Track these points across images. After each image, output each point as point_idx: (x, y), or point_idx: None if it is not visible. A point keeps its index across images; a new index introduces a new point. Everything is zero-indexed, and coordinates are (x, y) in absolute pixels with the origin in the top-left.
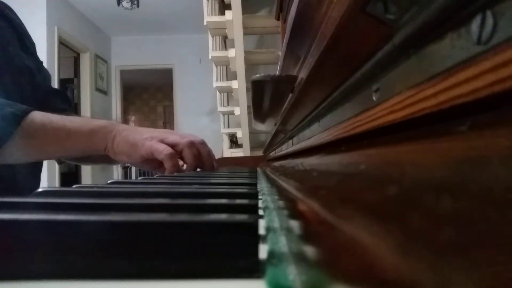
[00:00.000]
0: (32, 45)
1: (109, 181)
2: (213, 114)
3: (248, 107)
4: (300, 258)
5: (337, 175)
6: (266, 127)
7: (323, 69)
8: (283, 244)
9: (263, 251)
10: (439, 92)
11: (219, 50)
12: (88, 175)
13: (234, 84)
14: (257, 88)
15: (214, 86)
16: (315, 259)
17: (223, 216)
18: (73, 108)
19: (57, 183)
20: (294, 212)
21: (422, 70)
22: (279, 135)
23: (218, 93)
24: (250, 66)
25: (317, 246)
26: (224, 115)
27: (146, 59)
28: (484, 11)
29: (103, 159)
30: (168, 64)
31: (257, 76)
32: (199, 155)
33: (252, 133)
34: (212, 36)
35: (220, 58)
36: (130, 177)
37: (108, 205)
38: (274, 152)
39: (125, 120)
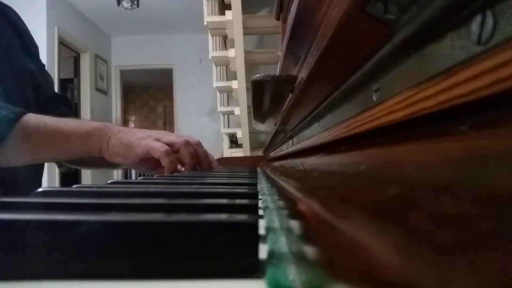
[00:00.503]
0: (35, 48)
1: (109, 181)
2: (213, 114)
3: (248, 107)
4: (300, 258)
5: (337, 175)
6: (266, 127)
7: (323, 69)
8: (283, 244)
9: (263, 251)
10: (439, 92)
11: (219, 50)
12: (88, 175)
13: (234, 84)
14: (257, 88)
15: (214, 86)
16: (315, 259)
17: (223, 216)
18: (74, 113)
19: (57, 183)
20: (294, 212)
21: (422, 70)
22: (279, 135)
23: (218, 93)
24: (250, 66)
25: (317, 246)
26: (224, 115)
27: (146, 59)
28: (484, 11)
29: (101, 162)
30: (168, 64)
31: (257, 76)
32: (196, 155)
33: (252, 133)
34: (212, 36)
35: (220, 58)
36: (130, 177)
37: (108, 205)
38: (274, 152)
39: (125, 120)
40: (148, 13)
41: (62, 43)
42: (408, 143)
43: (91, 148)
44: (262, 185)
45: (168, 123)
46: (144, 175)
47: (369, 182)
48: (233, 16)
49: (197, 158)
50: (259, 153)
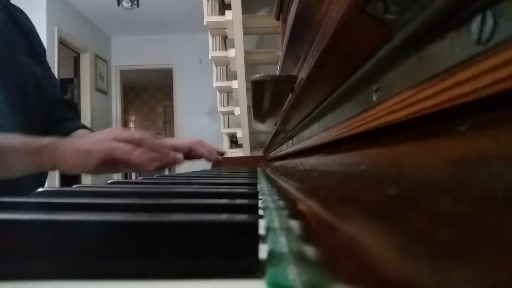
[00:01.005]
0: (43, 50)
1: (109, 181)
2: (213, 114)
3: (248, 107)
4: (300, 258)
5: (337, 175)
6: (266, 127)
7: (323, 69)
8: (283, 244)
9: (263, 251)
10: (439, 92)
11: (219, 50)
12: (88, 175)
13: (234, 84)
14: (257, 88)
15: (214, 86)
16: (315, 259)
17: (223, 216)
18: (79, 118)
19: (57, 183)
20: (294, 212)
21: (422, 70)
22: (279, 135)
23: (218, 93)
24: (250, 66)
25: (317, 246)
26: (224, 115)
27: (146, 59)
28: (484, 11)
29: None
30: (168, 64)
31: (257, 76)
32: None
33: (252, 133)
34: (212, 36)
35: (220, 58)
36: (130, 177)
37: (108, 205)
38: (274, 152)
39: (125, 120)
40: (148, 13)
41: (62, 43)
42: (408, 143)
43: (44, 164)
44: (262, 185)
45: (168, 123)
46: (144, 175)
47: (369, 182)
48: (233, 16)
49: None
50: (259, 153)
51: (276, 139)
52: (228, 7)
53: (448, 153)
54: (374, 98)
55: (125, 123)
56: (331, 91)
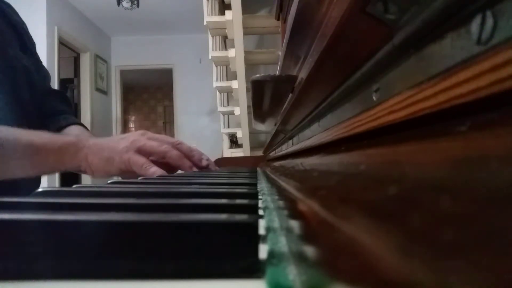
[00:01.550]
0: (32, 44)
1: (109, 181)
2: (213, 114)
3: (248, 107)
4: (300, 258)
5: (337, 175)
6: (266, 127)
7: (323, 69)
8: (283, 244)
9: (263, 251)
10: (439, 92)
11: (219, 50)
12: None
13: (234, 84)
14: (257, 88)
15: (214, 86)
16: (315, 259)
17: (223, 216)
18: (73, 109)
19: (57, 183)
20: (294, 212)
21: (422, 70)
22: (279, 135)
23: (218, 93)
24: (250, 66)
25: (317, 246)
26: (224, 115)
27: (146, 59)
28: (484, 11)
29: None
30: (168, 64)
31: (257, 76)
32: (184, 154)
33: (252, 133)
34: (212, 36)
35: (220, 58)
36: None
37: (108, 205)
38: (274, 152)
39: (125, 120)
40: (148, 13)
41: (62, 43)
42: (408, 143)
43: (68, 163)
44: (262, 185)
45: (168, 123)
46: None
47: (369, 182)
48: (233, 16)
49: (186, 156)
50: (259, 153)
51: (276, 139)
52: (228, 7)
53: (448, 153)
54: (374, 98)
55: (125, 123)
56: (331, 91)
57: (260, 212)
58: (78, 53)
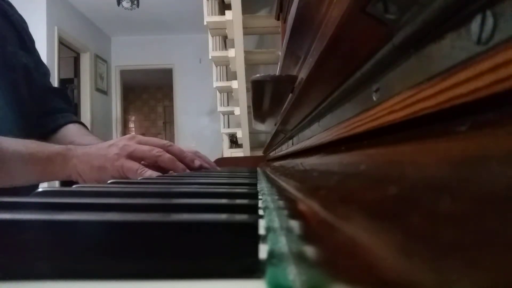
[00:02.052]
0: (32, 42)
1: (109, 181)
2: (213, 114)
3: (248, 107)
4: (300, 258)
5: (337, 175)
6: (266, 127)
7: (323, 69)
8: (283, 244)
9: (263, 251)
10: (439, 92)
11: (219, 50)
12: None
13: (234, 84)
14: (257, 88)
15: (214, 86)
16: (315, 259)
17: (223, 216)
18: (72, 108)
19: (57, 183)
20: (294, 212)
21: (422, 70)
22: (279, 135)
23: (218, 93)
24: (250, 66)
25: (317, 246)
26: (224, 115)
27: (146, 59)
28: (484, 11)
29: None
30: (168, 64)
31: (257, 76)
32: (176, 157)
33: (252, 133)
34: (212, 36)
35: (220, 58)
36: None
37: (108, 205)
38: (274, 152)
39: (125, 120)
40: (148, 13)
41: (62, 43)
42: (408, 143)
43: (56, 174)
44: (262, 185)
45: (168, 123)
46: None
47: (369, 182)
48: (233, 16)
49: (178, 158)
50: (259, 153)
51: (276, 139)
52: (228, 7)
53: (448, 153)
54: (374, 98)
55: (125, 123)
56: (331, 91)
57: (260, 212)
58: (78, 53)
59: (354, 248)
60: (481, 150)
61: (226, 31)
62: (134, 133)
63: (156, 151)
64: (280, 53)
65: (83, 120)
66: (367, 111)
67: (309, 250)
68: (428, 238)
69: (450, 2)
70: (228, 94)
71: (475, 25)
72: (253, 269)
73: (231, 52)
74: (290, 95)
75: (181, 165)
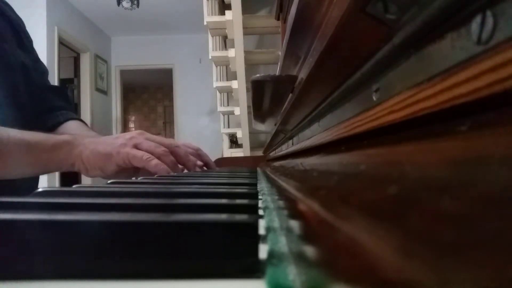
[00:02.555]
0: (29, 41)
1: (109, 181)
2: (213, 114)
3: (248, 107)
4: (300, 258)
5: (337, 175)
6: (266, 127)
7: (323, 69)
8: (283, 244)
9: (263, 251)
10: (439, 92)
11: (219, 50)
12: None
13: (234, 84)
14: (257, 88)
15: (214, 86)
16: (315, 259)
17: (223, 216)
18: (72, 106)
19: (57, 183)
20: (294, 212)
21: (422, 70)
22: (279, 135)
23: (218, 93)
24: (250, 66)
25: (317, 246)
26: (224, 115)
27: (146, 59)
28: (484, 11)
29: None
30: (168, 64)
31: (257, 76)
32: (178, 159)
33: (252, 133)
34: (212, 36)
35: (220, 58)
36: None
37: (108, 205)
38: (274, 152)
39: (125, 120)
40: (148, 13)
41: (62, 43)
42: (408, 143)
43: (62, 162)
44: (262, 185)
45: (168, 123)
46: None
47: (369, 182)
48: (233, 16)
49: (180, 161)
50: (259, 153)
51: (276, 139)
52: (228, 7)
53: (448, 153)
54: (374, 98)
55: (125, 123)
56: (331, 91)
57: (260, 212)
58: (78, 53)
59: (354, 248)
60: (481, 150)
61: (226, 31)
62: None
63: (162, 149)
64: (280, 53)
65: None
66: (367, 111)
67: (309, 250)
68: (428, 238)
69: (450, 2)
70: (228, 94)
71: (475, 25)
72: (253, 269)
73: (231, 52)
74: (290, 95)
75: (180, 170)
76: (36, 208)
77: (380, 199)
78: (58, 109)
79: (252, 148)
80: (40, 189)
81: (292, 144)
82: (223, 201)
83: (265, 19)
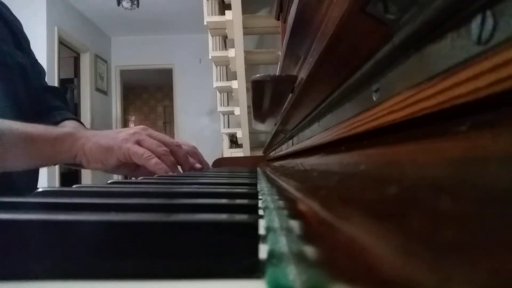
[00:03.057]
0: (27, 42)
1: (109, 181)
2: (213, 114)
3: (248, 107)
4: (300, 258)
5: (337, 175)
6: (266, 127)
7: (323, 69)
8: (283, 244)
9: (263, 251)
10: (439, 92)
11: (219, 50)
12: (88, 175)
13: (234, 84)
14: (257, 88)
15: (214, 86)
16: (315, 259)
17: (223, 216)
18: (69, 106)
19: (57, 183)
20: (294, 212)
21: (422, 70)
22: (279, 135)
23: (218, 93)
24: (250, 66)
25: (317, 246)
26: (224, 115)
27: (146, 59)
28: (484, 11)
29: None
30: (168, 64)
31: (257, 76)
32: (178, 159)
33: (252, 133)
34: (212, 36)
35: (220, 58)
36: (130, 178)
37: (108, 205)
38: (274, 152)
39: (125, 120)
40: (148, 13)
41: (62, 43)
42: (408, 143)
43: (64, 153)
44: (262, 185)
45: (168, 123)
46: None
47: (369, 182)
48: (233, 16)
49: (179, 162)
50: (259, 153)
51: (276, 139)
52: (228, 7)
53: (448, 153)
54: (374, 98)
55: (125, 123)
56: (331, 91)
57: (260, 212)
58: (78, 53)
59: (354, 248)
60: (481, 150)
61: (226, 31)
62: None
63: (162, 149)
64: (280, 53)
65: (83, 120)
66: (367, 111)
67: (309, 250)
68: (427, 238)
69: (450, 2)
70: (228, 94)
71: (475, 25)
72: (253, 269)
73: (231, 52)
74: (290, 95)
75: (178, 171)
76: (36, 208)
77: (380, 199)
78: (55, 109)
79: (252, 148)
80: (40, 189)
81: (292, 144)
82: (223, 201)
83: (265, 19)
